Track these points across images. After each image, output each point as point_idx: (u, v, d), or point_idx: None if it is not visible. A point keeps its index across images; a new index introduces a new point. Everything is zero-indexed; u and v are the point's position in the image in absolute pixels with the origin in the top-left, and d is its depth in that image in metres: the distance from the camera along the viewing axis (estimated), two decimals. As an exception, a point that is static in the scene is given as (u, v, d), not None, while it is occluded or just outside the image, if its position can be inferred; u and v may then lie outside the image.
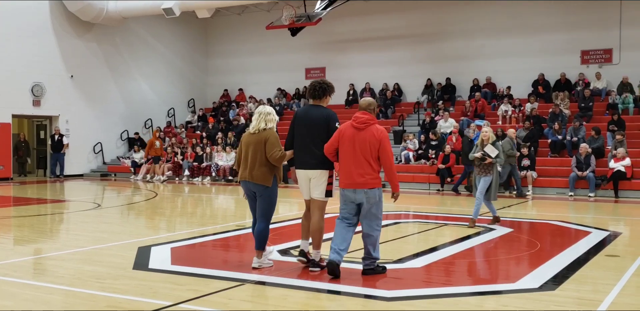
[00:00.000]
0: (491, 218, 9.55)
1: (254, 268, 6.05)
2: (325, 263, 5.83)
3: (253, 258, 6.17)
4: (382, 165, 5.73)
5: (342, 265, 5.79)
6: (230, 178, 19.10)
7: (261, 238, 6.04)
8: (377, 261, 5.92)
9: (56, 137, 20.54)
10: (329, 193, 5.96)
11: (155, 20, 23.68)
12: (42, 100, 20.49)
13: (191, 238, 8.04)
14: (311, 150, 5.90)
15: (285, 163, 6.15)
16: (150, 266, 6.28)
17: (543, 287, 5.43)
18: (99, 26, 21.95)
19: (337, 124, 5.92)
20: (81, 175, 21.66)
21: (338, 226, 5.82)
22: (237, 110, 23.46)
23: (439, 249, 7.40)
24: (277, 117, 6.09)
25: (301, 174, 6.01)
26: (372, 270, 5.86)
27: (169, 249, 7.17)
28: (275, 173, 5.95)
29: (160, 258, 6.68)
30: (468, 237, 8.31)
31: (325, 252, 6.25)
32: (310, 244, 6.14)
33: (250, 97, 24.45)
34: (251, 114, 22.92)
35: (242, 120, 22.45)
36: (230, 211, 12.32)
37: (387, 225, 8.87)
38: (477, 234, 8.57)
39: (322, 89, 6.06)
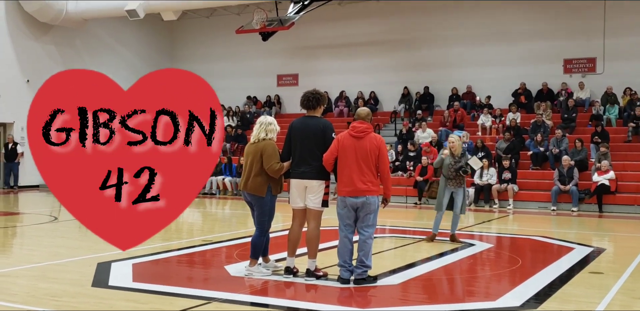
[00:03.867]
0: (449, 234, 9.31)
1: (245, 276, 6.40)
2: (321, 273, 6.31)
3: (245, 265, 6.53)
4: (379, 171, 6.17)
5: (316, 282, 6.15)
6: (196, 190, 18.95)
7: (254, 247, 6.40)
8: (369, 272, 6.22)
9: (10, 145, 20.17)
10: (325, 203, 6.29)
11: (119, 23, 23.52)
12: (-4, 105, 20.16)
13: (154, 254, 7.96)
14: (308, 161, 6.23)
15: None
16: (110, 283, 6.20)
17: (525, 305, 5.50)
18: (58, 28, 21.72)
19: (333, 134, 6.27)
20: (37, 186, 21.29)
21: (341, 240, 6.24)
22: (205, 118, 23.35)
23: (417, 265, 7.45)
24: (278, 128, 6.46)
25: (298, 183, 6.30)
26: (364, 280, 6.15)
27: (131, 266, 7.09)
28: (271, 184, 6.28)
29: (121, 274, 6.60)
30: (446, 253, 8.38)
31: (324, 261, 6.25)
32: (298, 256, 6.46)
33: (219, 104, 24.36)
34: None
35: (210, 129, 22.35)
36: (196, 225, 12.23)
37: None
38: (456, 250, 8.65)
39: (315, 99, 6.36)
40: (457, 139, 9.33)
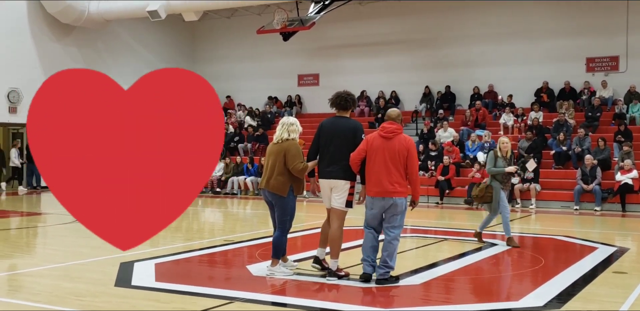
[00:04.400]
0: (475, 232, 9.23)
1: (267, 276, 6.44)
2: (343, 273, 6.33)
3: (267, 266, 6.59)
4: (408, 173, 6.17)
5: (337, 282, 6.11)
6: (218, 189, 19.06)
7: (276, 246, 6.44)
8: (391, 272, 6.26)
9: (33, 146, 20.38)
10: (349, 203, 6.33)
11: (140, 24, 23.74)
12: (19, 107, 20.43)
13: (176, 254, 8.02)
14: (335, 161, 6.30)
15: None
16: (133, 282, 6.26)
17: (548, 305, 5.45)
18: (80, 29, 21.98)
19: (363, 136, 6.34)
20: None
21: (366, 236, 6.29)
22: (226, 118, 23.50)
23: (439, 265, 7.42)
24: (300, 128, 6.49)
25: (324, 183, 6.38)
26: (386, 280, 6.16)
27: (153, 265, 7.16)
28: (292, 184, 6.32)
29: (143, 274, 6.66)
30: (468, 253, 8.33)
31: (346, 261, 6.27)
32: (327, 253, 6.46)
33: (239, 104, 24.50)
34: (240, 123, 22.97)
35: (231, 128, 22.47)
36: (217, 224, 12.30)
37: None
38: (478, 249, 8.60)
39: (351, 100, 6.49)
40: (508, 140, 9.12)
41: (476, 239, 9.15)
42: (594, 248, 8.76)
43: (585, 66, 20.05)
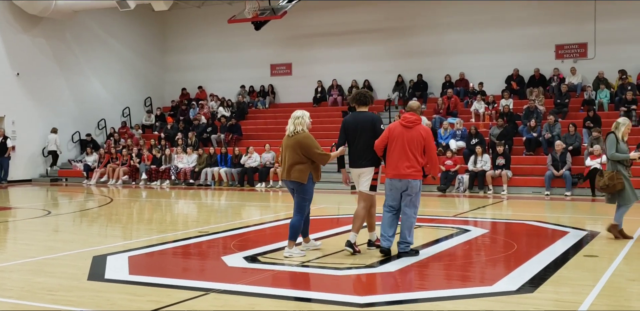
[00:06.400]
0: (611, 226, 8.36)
1: (285, 257, 6.84)
2: (357, 249, 7.02)
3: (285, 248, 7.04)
4: (427, 157, 6.98)
5: (316, 270, 6.27)
6: (191, 181, 18.92)
7: (294, 229, 6.91)
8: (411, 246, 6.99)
9: (0, 139, 20.05)
10: (373, 188, 7.09)
11: (109, 14, 23.33)
12: (-14, 100, 20.01)
13: (150, 246, 7.94)
14: (363, 152, 7.05)
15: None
16: (107, 276, 6.17)
17: (521, 290, 5.51)
18: (48, 20, 21.53)
19: (382, 126, 7.09)
20: (29, 180, 21.21)
21: (385, 215, 7.02)
22: (198, 109, 23.28)
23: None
24: (308, 120, 7.00)
25: (354, 172, 7.17)
26: (406, 253, 6.91)
27: (127, 258, 7.07)
28: (312, 172, 6.86)
29: (116, 267, 6.58)
30: (442, 239, 8.39)
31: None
32: (376, 236, 7.37)
33: (212, 95, 24.29)
34: (213, 113, 22.78)
35: (203, 119, 22.29)
36: (191, 216, 12.21)
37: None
38: (451, 236, 8.67)
39: (365, 96, 7.24)
40: (630, 122, 8.33)
41: (620, 237, 8.18)
42: (565, 233, 8.88)
43: (555, 53, 20.28)
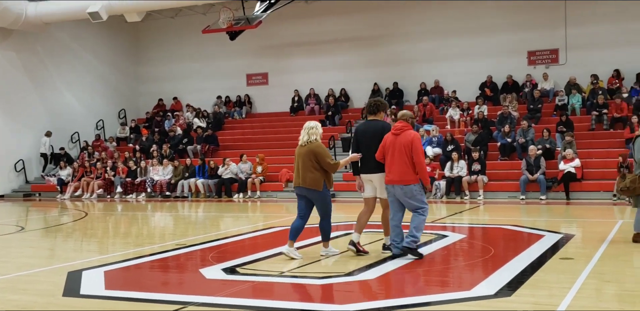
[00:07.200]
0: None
1: (321, 255, 7.44)
2: (362, 249, 7.50)
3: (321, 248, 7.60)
4: (414, 163, 7.08)
5: (296, 280, 6.44)
6: (167, 193, 18.77)
7: (324, 231, 7.47)
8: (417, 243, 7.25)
9: (-28, 155, 19.77)
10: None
11: (81, 26, 23.15)
12: (-44, 114, 19.71)
13: (126, 260, 7.84)
14: (372, 158, 7.36)
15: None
16: (82, 292, 6.08)
17: (499, 294, 5.55)
18: (18, 33, 21.30)
19: None
20: (1, 196, 20.87)
21: (391, 221, 7.34)
22: (173, 120, 23.15)
23: (392, 259, 7.46)
24: (320, 130, 7.37)
25: (364, 177, 7.50)
26: (410, 250, 7.12)
27: (102, 273, 6.97)
28: (325, 179, 7.23)
29: (92, 282, 6.48)
30: (420, 245, 8.40)
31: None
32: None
33: (188, 105, 24.18)
34: (189, 124, 22.66)
35: (179, 130, 22.15)
36: (168, 229, 12.10)
37: (337, 237, 8.90)
38: (430, 242, 8.70)
39: (376, 106, 7.56)
40: None
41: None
42: (541, 236, 8.97)
43: (527, 60, 20.57)
